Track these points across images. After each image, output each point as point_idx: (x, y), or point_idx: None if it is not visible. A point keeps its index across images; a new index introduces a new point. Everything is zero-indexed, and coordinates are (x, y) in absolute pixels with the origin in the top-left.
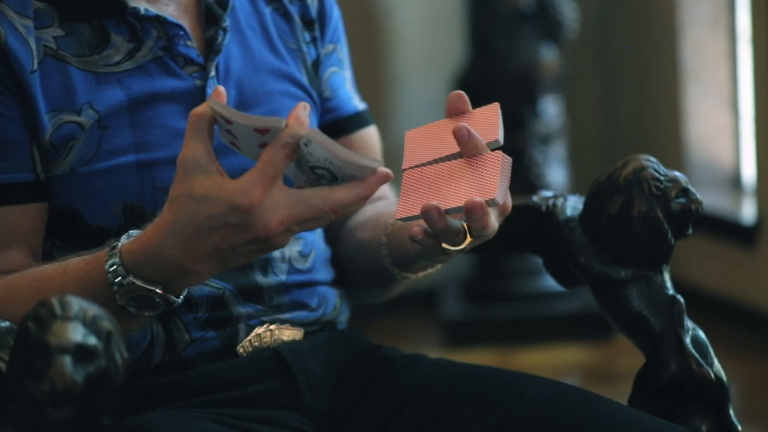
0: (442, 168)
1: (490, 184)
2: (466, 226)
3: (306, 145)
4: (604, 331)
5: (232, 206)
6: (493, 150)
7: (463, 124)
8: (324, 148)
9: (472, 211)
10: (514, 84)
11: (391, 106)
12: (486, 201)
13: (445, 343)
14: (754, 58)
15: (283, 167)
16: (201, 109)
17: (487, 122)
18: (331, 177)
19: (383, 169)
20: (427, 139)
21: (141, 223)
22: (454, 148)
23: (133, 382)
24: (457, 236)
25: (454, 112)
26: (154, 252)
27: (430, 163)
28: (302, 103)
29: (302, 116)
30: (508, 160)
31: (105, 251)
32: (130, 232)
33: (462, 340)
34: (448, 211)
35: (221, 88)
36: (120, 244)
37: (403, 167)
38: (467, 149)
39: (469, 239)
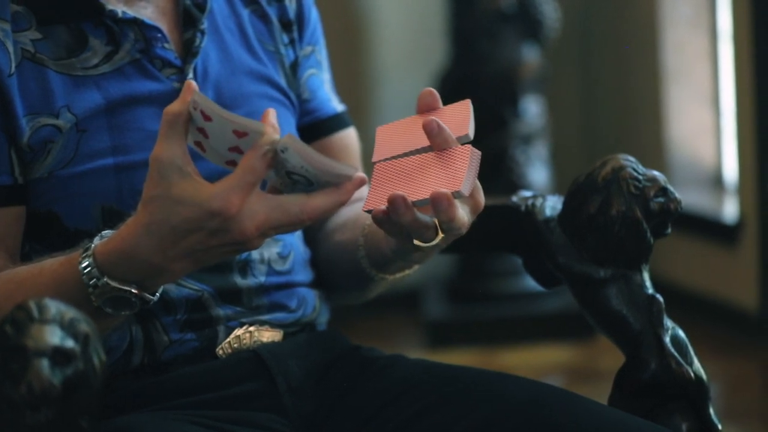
0: (412, 161)
1: (456, 176)
2: (437, 222)
3: (282, 152)
4: (586, 330)
5: (210, 212)
6: (463, 144)
7: (433, 117)
8: (300, 155)
9: (437, 202)
10: (495, 84)
11: (373, 106)
12: (452, 193)
13: (428, 344)
14: (735, 56)
15: (263, 175)
16: (176, 107)
17: (458, 118)
18: (307, 183)
19: (359, 174)
20: (398, 134)
21: (118, 226)
22: (425, 142)
23: (112, 384)
24: (427, 231)
25: (425, 109)
26: (129, 252)
27: (399, 156)
28: (271, 109)
29: (275, 123)
30: (477, 153)
31: (78, 252)
32: (102, 232)
33: (444, 341)
34: (415, 204)
35: (194, 83)
36: (93, 245)
37: (372, 160)
38: (437, 143)
39: (440, 235)
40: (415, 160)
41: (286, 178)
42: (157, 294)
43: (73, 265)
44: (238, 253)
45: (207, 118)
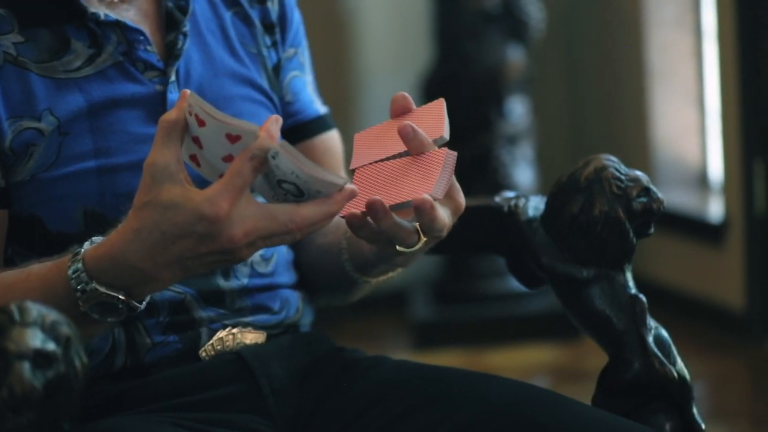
0: (389, 166)
1: (430, 179)
2: (418, 226)
3: (273, 157)
4: (572, 331)
5: (198, 216)
6: (440, 146)
7: (408, 122)
8: (291, 161)
9: (420, 208)
10: (480, 85)
11: (357, 108)
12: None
13: (414, 345)
14: (719, 56)
15: (251, 179)
16: (173, 115)
17: (433, 119)
18: (298, 192)
19: (349, 186)
20: (376, 140)
21: (102, 229)
22: (402, 147)
23: (95, 387)
24: (409, 236)
25: (399, 112)
26: (119, 257)
27: (377, 162)
28: (274, 116)
29: (273, 130)
30: (453, 155)
31: (67, 257)
32: (93, 238)
33: (431, 342)
34: (392, 208)
35: (189, 91)
36: (83, 250)
37: (351, 167)
38: (413, 147)
39: (422, 239)
40: (393, 164)
41: (277, 188)
42: (144, 302)
43: (61, 270)
44: (227, 264)
45: (201, 123)
